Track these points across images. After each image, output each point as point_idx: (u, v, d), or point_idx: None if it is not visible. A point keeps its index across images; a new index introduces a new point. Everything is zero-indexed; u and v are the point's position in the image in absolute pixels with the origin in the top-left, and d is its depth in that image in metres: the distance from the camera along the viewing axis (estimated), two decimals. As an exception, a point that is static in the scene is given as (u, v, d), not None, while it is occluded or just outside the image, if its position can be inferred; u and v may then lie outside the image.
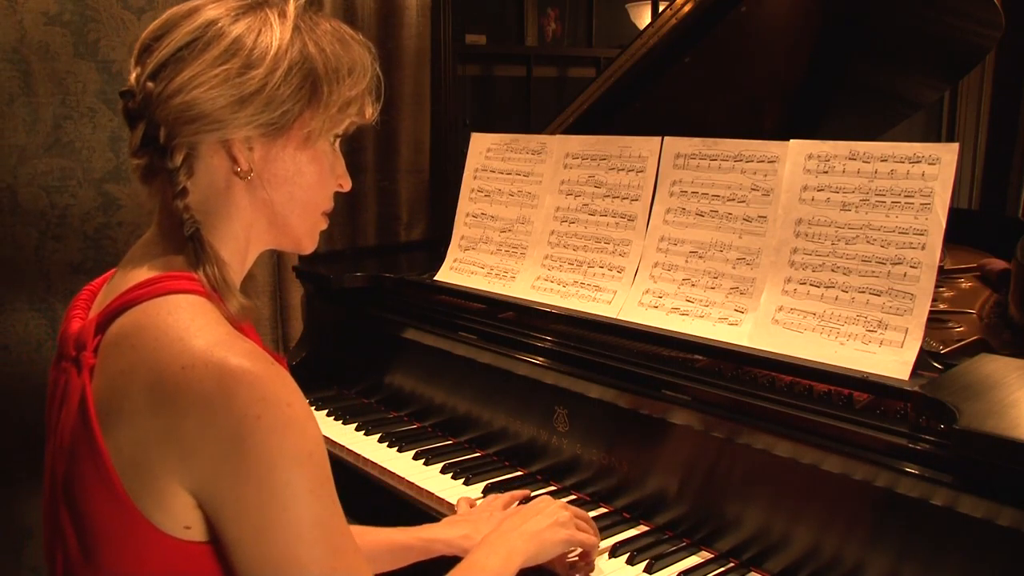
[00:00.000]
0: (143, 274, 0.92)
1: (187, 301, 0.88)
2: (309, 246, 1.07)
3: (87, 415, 0.85)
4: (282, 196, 0.99)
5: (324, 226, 1.07)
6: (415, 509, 1.51)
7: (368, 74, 1.03)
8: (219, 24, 0.93)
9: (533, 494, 1.48)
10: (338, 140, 1.05)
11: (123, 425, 0.84)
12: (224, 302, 0.91)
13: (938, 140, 3.92)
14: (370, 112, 1.05)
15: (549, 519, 1.20)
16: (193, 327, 0.85)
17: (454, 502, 1.45)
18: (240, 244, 0.99)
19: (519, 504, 1.37)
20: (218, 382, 0.80)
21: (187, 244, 0.93)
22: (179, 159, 0.92)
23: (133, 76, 0.94)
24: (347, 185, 1.08)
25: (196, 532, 0.85)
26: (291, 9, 0.97)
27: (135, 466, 0.83)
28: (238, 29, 0.93)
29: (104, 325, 0.89)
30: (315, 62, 0.95)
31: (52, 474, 0.93)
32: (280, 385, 0.83)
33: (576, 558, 1.25)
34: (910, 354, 1.23)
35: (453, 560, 1.14)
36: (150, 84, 0.92)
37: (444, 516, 1.45)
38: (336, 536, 0.85)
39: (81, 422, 0.86)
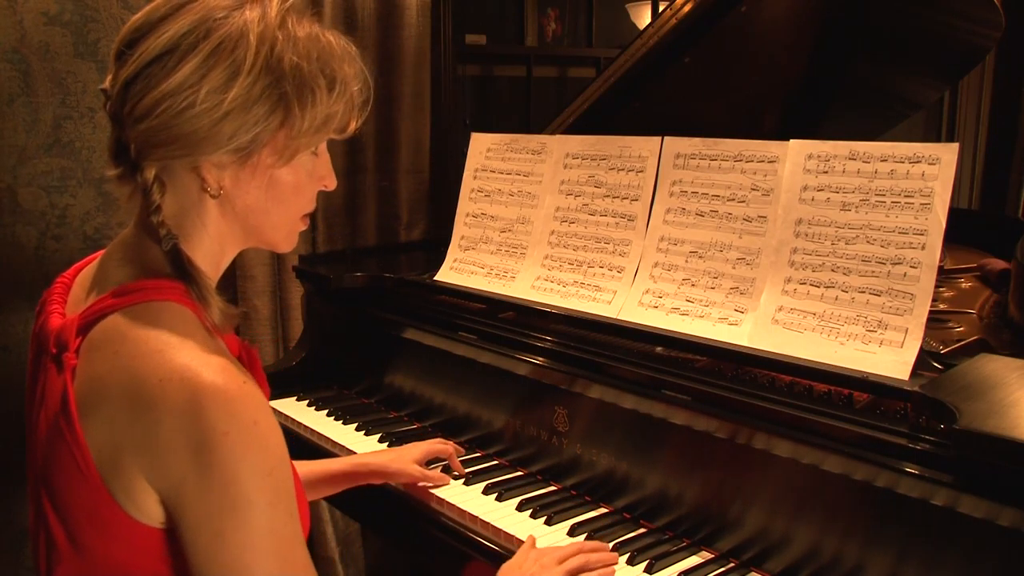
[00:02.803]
0: (127, 274, 0.95)
1: (169, 311, 0.91)
2: (287, 248, 1.07)
3: (69, 414, 0.89)
4: (255, 211, 0.99)
5: (304, 227, 1.07)
6: (416, 511, 1.51)
7: (351, 88, 1.00)
8: (191, 37, 0.90)
9: (536, 493, 1.48)
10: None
11: (101, 425, 0.88)
12: (204, 314, 0.94)
13: (938, 140, 3.92)
14: (352, 127, 1.03)
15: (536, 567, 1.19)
16: (173, 340, 0.88)
17: (455, 502, 1.45)
18: (215, 253, 1.01)
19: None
20: (191, 397, 0.84)
21: (167, 257, 0.94)
22: (150, 176, 0.93)
23: (109, 78, 0.94)
24: (331, 184, 1.06)
25: (166, 523, 0.90)
26: (272, 15, 0.93)
27: (111, 463, 0.87)
28: (210, 45, 0.90)
29: (86, 327, 0.92)
30: (288, 83, 0.93)
31: (34, 465, 0.98)
32: (249, 403, 0.87)
33: None
34: (910, 354, 1.23)
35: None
36: (122, 96, 0.91)
37: (445, 517, 1.46)
38: (289, 549, 0.89)
39: (64, 420, 0.89)
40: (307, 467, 1.48)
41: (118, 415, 0.87)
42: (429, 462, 1.56)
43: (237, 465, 0.85)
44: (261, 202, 0.99)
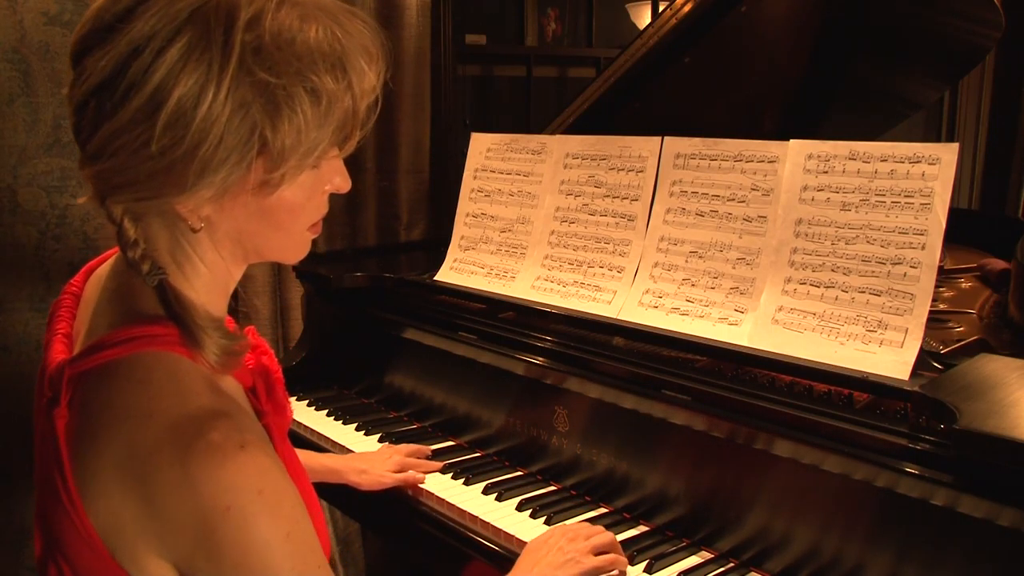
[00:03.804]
0: (119, 315, 0.86)
1: (161, 364, 0.82)
2: (297, 259, 0.94)
3: (65, 478, 0.81)
4: (250, 234, 0.87)
5: (316, 235, 0.93)
6: (416, 510, 1.51)
7: (341, 100, 0.82)
8: (142, 57, 0.76)
9: (536, 493, 1.48)
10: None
11: (98, 493, 0.80)
12: (199, 356, 0.83)
13: (938, 140, 3.92)
14: (350, 144, 0.88)
15: (561, 556, 1.18)
16: (163, 403, 0.80)
17: (455, 502, 1.45)
18: (219, 279, 0.90)
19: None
20: (184, 472, 0.76)
21: (155, 293, 0.84)
22: (118, 213, 0.81)
23: (66, 91, 0.82)
24: (345, 186, 0.91)
25: None
26: (240, 17, 0.77)
27: (115, 533, 0.80)
28: (163, 66, 0.75)
29: (75, 379, 0.84)
30: (258, 108, 0.77)
31: (40, 497, 0.88)
32: (250, 470, 0.78)
33: None
34: (910, 354, 1.23)
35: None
36: (75, 125, 0.80)
37: (445, 517, 1.45)
38: None
39: (60, 482, 0.81)
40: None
41: (112, 484, 0.79)
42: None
43: (247, 539, 0.77)
44: (254, 226, 0.86)
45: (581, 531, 1.23)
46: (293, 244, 0.91)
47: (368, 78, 0.84)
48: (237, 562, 0.77)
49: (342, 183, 0.91)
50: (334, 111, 0.82)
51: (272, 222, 0.86)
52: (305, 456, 1.56)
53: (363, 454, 1.64)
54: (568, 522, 1.38)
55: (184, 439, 0.77)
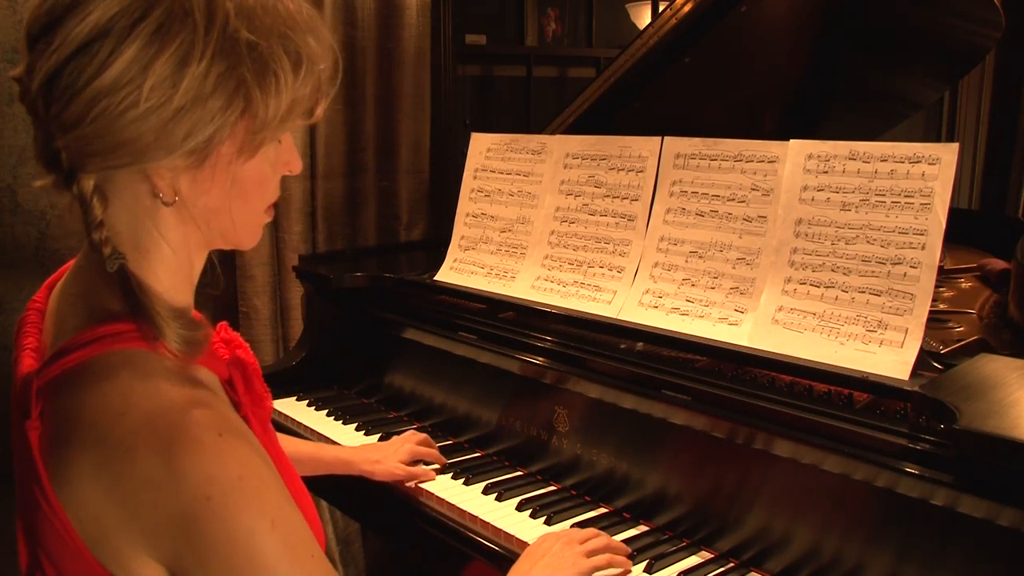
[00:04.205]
0: (81, 318, 0.84)
1: (128, 361, 0.80)
2: (250, 244, 0.94)
3: (43, 486, 0.79)
4: (218, 212, 0.87)
5: (268, 219, 0.94)
6: (416, 510, 1.50)
7: (315, 67, 0.85)
8: (126, 18, 0.75)
9: (536, 493, 1.48)
10: None
11: (79, 500, 0.78)
12: (161, 344, 0.81)
13: (938, 140, 3.92)
14: (320, 110, 0.89)
15: (556, 560, 1.18)
16: (134, 397, 0.78)
17: (455, 502, 1.45)
18: (182, 263, 0.89)
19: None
20: (162, 464, 0.75)
21: (113, 279, 0.81)
22: (88, 188, 0.79)
23: (23, 67, 0.79)
24: (296, 168, 0.92)
25: None
26: None
27: (98, 537, 0.78)
28: (149, 26, 0.75)
29: (44, 389, 0.82)
30: (246, 68, 0.79)
31: (20, 502, 0.86)
32: (228, 457, 0.77)
33: None
34: (910, 354, 1.23)
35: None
36: (44, 96, 0.77)
37: (445, 517, 1.45)
38: None
39: (39, 490, 0.80)
40: (296, 446, 1.52)
41: (91, 489, 0.77)
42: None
43: (231, 529, 0.76)
44: (223, 202, 0.86)
45: (576, 535, 1.23)
46: (255, 224, 0.92)
47: (330, 47, 0.87)
48: (223, 554, 0.76)
49: (294, 164, 0.92)
50: (312, 73, 0.84)
51: (241, 195, 0.86)
52: (316, 448, 1.60)
53: (375, 444, 1.65)
54: (569, 522, 1.38)
55: (159, 432, 0.76)
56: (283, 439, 1.32)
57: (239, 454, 0.79)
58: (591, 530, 1.26)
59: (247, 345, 1.01)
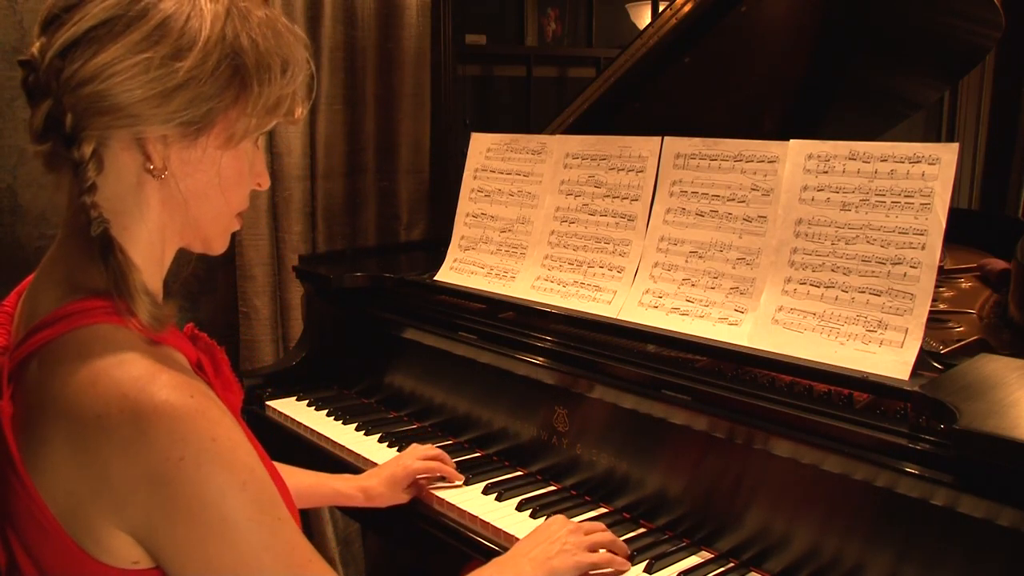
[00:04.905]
0: (54, 299, 0.87)
1: (98, 335, 0.83)
2: (220, 247, 0.99)
3: (15, 467, 0.82)
4: (197, 197, 0.92)
5: (237, 227, 1.00)
6: (416, 511, 1.50)
7: (302, 72, 0.94)
8: (141, 3, 0.84)
9: (536, 493, 1.48)
10: (260, 136, 0.98)
11: (52, 476, 0.81)
12: (132, 314, 0.84)
13: (938, 140, 3.92)
14: (299, 112, 0.97)
15: (558, 545, 1.19)
16: (106, 367, 0.80)
17: (455, 502, 1.45)
18: (155, 246, 0.92)
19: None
20: (134, 428, 0.78)
21: (94, 245, 0.85)
22: (88, 151, 0.84)
23: (37, 45, 0.85)
24: (265, 183, 1.00)
25: (145, 562, 0.83)
26: None
27: (69, 513, 0.81)
28: (165, 9, 0.84)
29: (16, 370, 0.85)
30: (246, 56, 0.87)
31: None
32: (200, 420, 0.80)
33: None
34: (910, 354, 1.23)
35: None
36: (58, 62, 0.82)
37: (445, 517, 1.45)
38: (289, 556, 0.84)
39: (12, 473, 0.82)
40: (304, 478, 1.45)
41: (64, 462, 0.80)
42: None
43: (202, 489, 0.78)
44: (204, 188, 0.91)
45: (583, 526, 1.25)
46: (227, 222, 0.97)
47: (308, 63, 0.96)
48: (193, 514, 0.79)
49: (264, 180, 1.00)
50: (296, 78, 0.93)
51: (221, 186, 0.92)
52: (335, 481, 1.49)
53: (370, 473, 1.53)
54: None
55: (131, 397, 0.78)
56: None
57: (211, 415, 0.82)
58: (598, 524, 1.28)
59: (214, 341, 1.03)
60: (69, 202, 0.89)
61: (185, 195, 0.91)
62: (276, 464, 1.40)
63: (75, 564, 0.82)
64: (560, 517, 1.28)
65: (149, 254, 0.92)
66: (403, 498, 1.49)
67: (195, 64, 0.84)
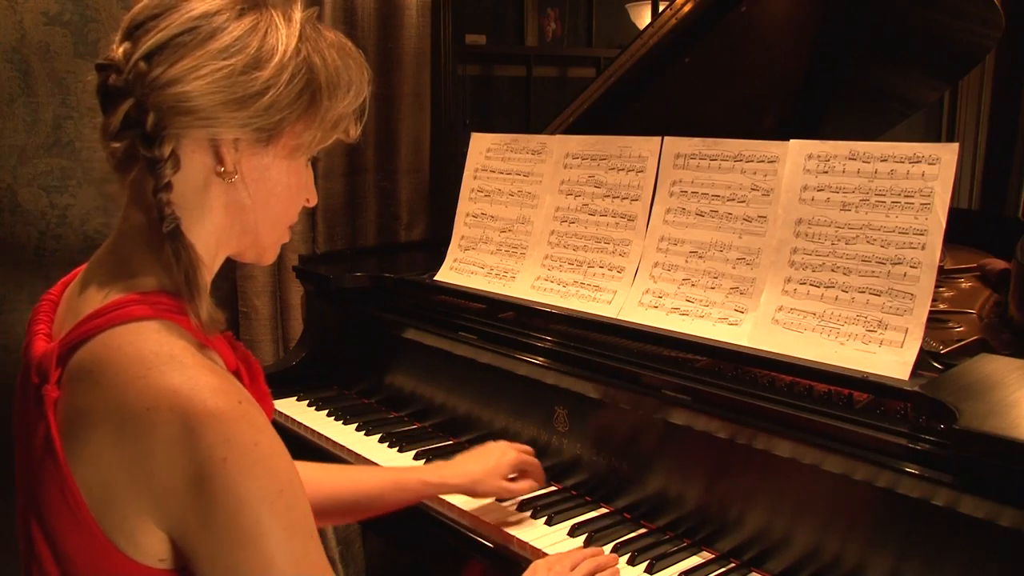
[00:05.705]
0: (104, 295, 0.89)
1: (149, 328, 0.85)
2: (271, 257, 1.04)
3: (55, 453, 0.83)
4: (259, 204, 0.95)
5: (287, 239, 1.05)
6: (416, 510, 1.50)
7: (363, 94, 1.00)
8: (223, 16, 0.89)
9: (536, 493, 1.48)
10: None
11: (90, 464, 0.82)
12: (191, 312, 0.87)
13: (938, 140, 3.92)
14: (354, 132, 1.03)
15: None
16: (158, 362, 0.82)
17: (455, 502, 1.45)
18: (211, 247, 0.95)
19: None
20: (182, 425, 0.79)
21: (165, 242, 0.88)
22: (167, 150, 0.87)
23: (120, 50, 0.88)
24: (313, 200, 1.05)
25: (171, 563, 0.85)
26: (296, 14, 0.94)
27: (106, 504, 0.82)
28: (244, 25, 0.89)
29: (65, 356, 0.86)
30: (318, 72, 0.93)
31: (24, 492, 0.91)
32: (246, 424, 0.82)
33: None
34: (910, 354, 1.23)
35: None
36: (143, 64, 0.86)
37: (445, 517, 1.45)
38: (311, 572, 0.85)
39: (49, 458, 0.84)
40: (338, 480, 1.34)
41: (106, 451, 0.81)
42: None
43: (242, 492, 0.80)
44: (266, 195, 0.95)
45: (567, 559, 1.20)
46: (281, 231, 1.02)
47: (367, 88, 1.02)
48: (229, 517, 0.80)
49: (312, 198, 1.05)
50: (357, 100, 0.99)
51: (282, 195, 0.97)
52: (396, 475, 1.43)
53: (472, 456, 1.44)
54: (569, 522, 1.38)
55: (183, 394, 0.80)
56: (331, 472, 1.34)
57: (256, 422, 0.83)
58: (584, 553, 1.24)
59: (250, 352, 1.05)
60: (129, 200, 0.93)
61: (248, 201, 0.95)
62: (340, 467, 1.41)
63: (100, 555, 0.83)
64: (541, 562, 1.21)
65: (205, 254, 0.94)
66: (508, 489, 1.41)
67: (272, 75, 0.89)
